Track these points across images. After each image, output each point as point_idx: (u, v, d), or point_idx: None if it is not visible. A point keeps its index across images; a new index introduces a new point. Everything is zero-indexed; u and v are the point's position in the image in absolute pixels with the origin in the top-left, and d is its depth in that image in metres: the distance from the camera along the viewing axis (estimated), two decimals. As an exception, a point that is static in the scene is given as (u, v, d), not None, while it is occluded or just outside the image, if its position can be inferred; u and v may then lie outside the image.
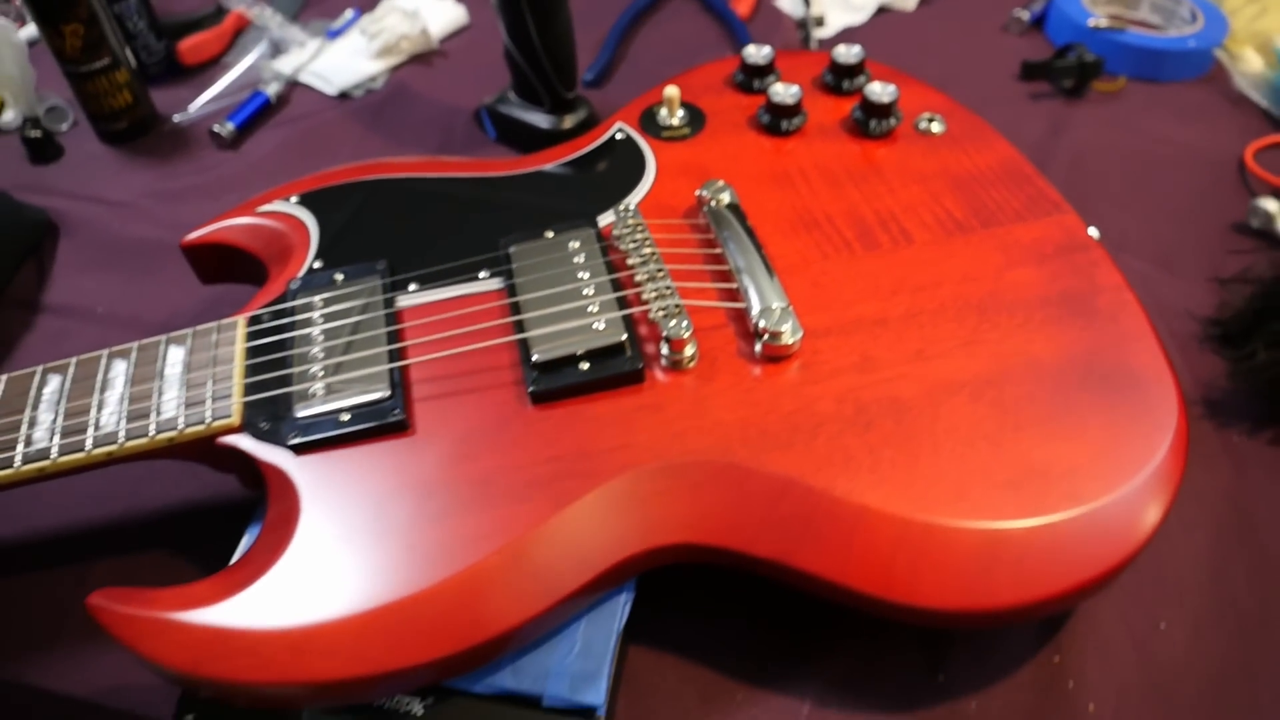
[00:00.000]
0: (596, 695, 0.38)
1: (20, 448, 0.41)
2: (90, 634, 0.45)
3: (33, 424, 0.42)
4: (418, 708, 0.38)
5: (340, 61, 0.76)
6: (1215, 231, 0.60)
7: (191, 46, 0.76)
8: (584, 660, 0.39)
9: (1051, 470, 0.38)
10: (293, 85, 0.75)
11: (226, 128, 0.69)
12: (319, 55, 0.76)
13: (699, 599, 0.44)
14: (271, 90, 0.72)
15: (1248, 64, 0.72)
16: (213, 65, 0.77)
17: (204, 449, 0.42)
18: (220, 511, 0.50)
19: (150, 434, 0.41)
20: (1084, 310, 0.44)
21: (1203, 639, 0.43)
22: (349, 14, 0.80)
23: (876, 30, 0.79)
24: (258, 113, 0.72)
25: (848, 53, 0.56)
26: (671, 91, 0.54)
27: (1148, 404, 0.40)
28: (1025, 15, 0.78)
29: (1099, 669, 0.42)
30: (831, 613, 0.43)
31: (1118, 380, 0.41)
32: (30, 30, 0.79)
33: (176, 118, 0.72)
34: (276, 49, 0.77)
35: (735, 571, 0.40)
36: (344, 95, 0.74)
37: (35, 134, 0.68)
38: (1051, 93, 0.72)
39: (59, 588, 0.47)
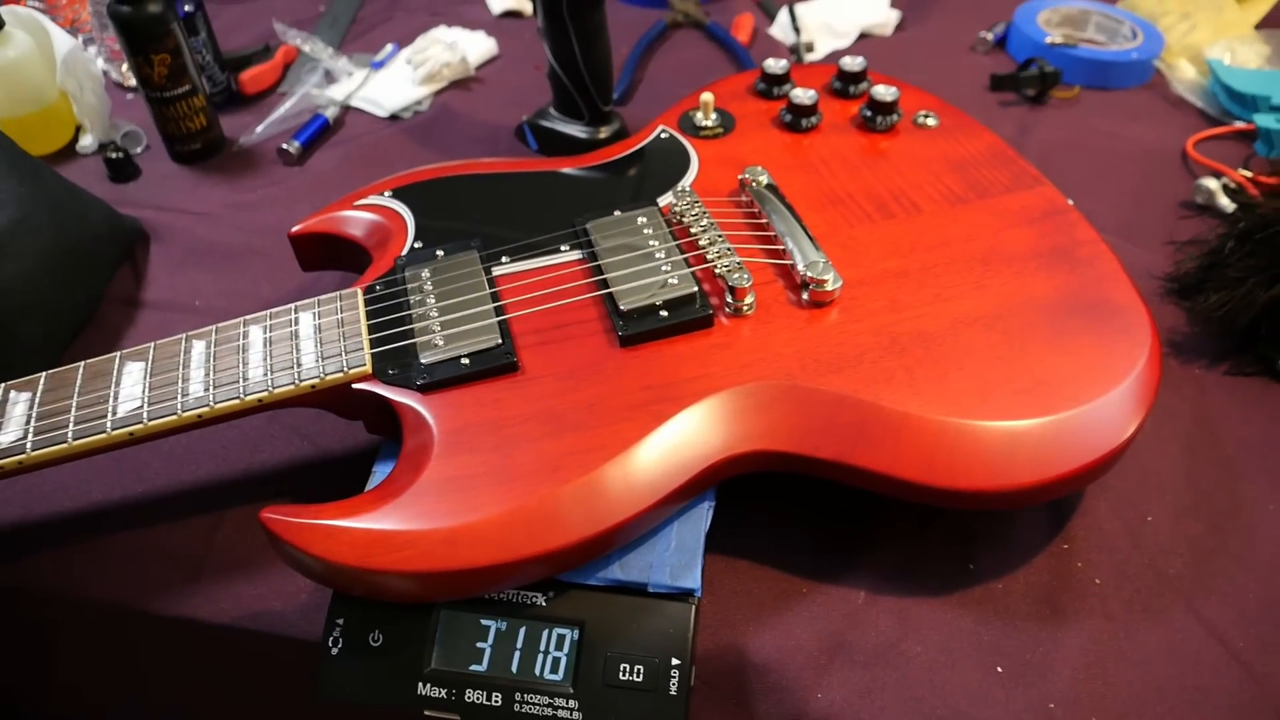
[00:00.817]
0: (693, 580, 0.45)
1: (180, 398, 0.48)
2: (228, 571, 0.52)
3: (186, 380, 0.49)
4: (541, 600, 0.45)
5: (388, 88, 0.84)
6: (1165, 207, 0.70)
7: (251, 77, 0.83)
8: (679, 554, 0.46)
9: (1054, 379, 0.47)
10: (346, 109, 0.83)
11: (294, 145, 0.77)
12: (367, 83, 0.84)
13: (763, 515, 0.52)
14: (329, 113, 0.80)
15: (1183, 72, 0.83)
16: (269, 94, 0.85)
17: (340, 395, 0.49)
18: (325, 467, 0.56)
19: (295, 381, 0.48)
20: (1068, 258, 0.53)
21: (1184, 526, 0.52)
22: (389, 47, 0.89)
23: (859, 53, 0.89)
24: (318, 132, 0.79)
25: (853, 62, 0.65)
26: (707, 97, 0.63)
27: (1127, 326, 0.49)
28: (990, 36, 0.89)
29: (1101, 552, 0.51)
30: (875, 520, 0.51)
31: (1101, 310, 0.50)
32: (100, 65, 0.86)
33: (243, 140, 0.79)
34: (328, 78, 0.85)
35: (794, 481, 0.47)
36: (394, 117, 0.82)
37: (117, 155, 0.74)
38: (1017, 101, 0.82)
39: (196, 535, 0.53)
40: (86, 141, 0.78)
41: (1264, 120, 0.72)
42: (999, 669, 0.46)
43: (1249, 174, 0.70)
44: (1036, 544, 0.51)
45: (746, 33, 0.91)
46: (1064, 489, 0.46)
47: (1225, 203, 0.68)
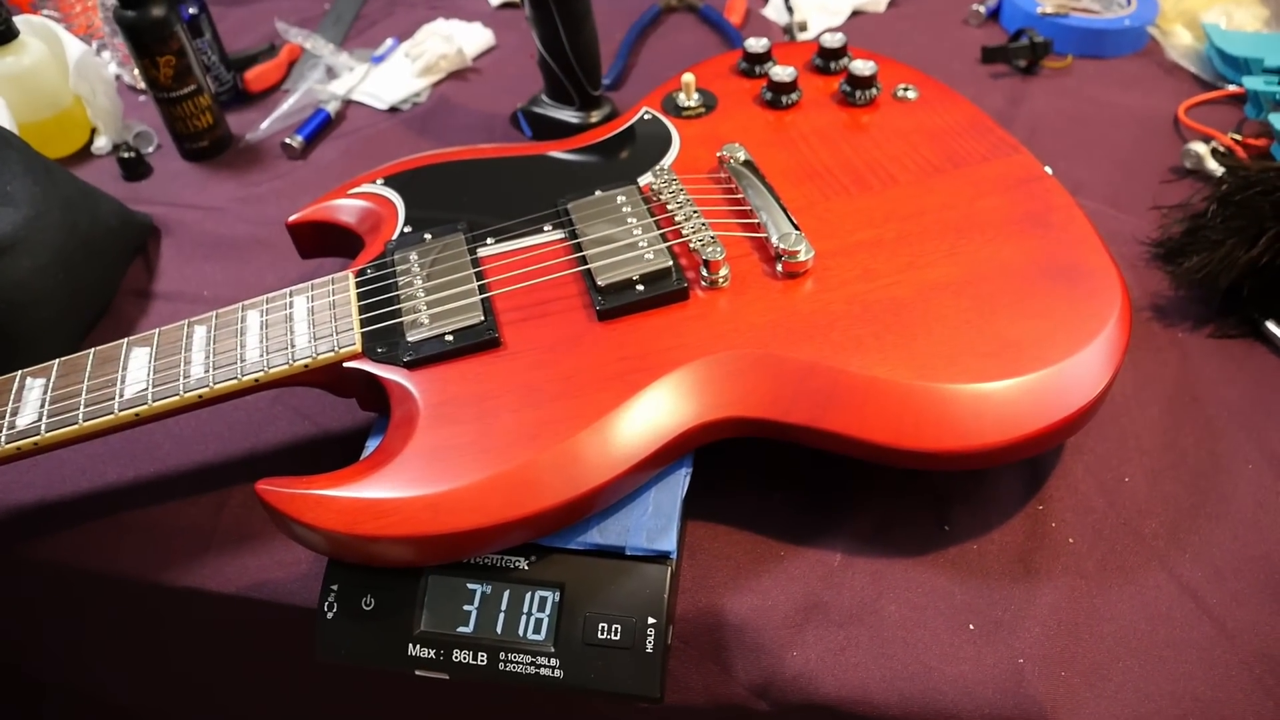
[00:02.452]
0: (669, 543, 0.47)
1: (181, 380, 0.50)
2: (234, 544, 0.54)
3: (188, 362, 0.51)
4: (523, 564, 0.47)
5: (388, 81, 0.86)
6: (1155, 174, 0.71)
7: (256, 76, 0.86)
8: (656, 518, 0.48)
9: (1022, 341, 0.48)
10: (348, 103, 0.85)
11: (296, 140, 0.79)
12: (368, 77, 0.87)
13: (742, 481, 0.53)
14: (331, 108, 0.83)
15: (1178, 38, 0.83)
16: (273, 92, 0.88)
17: (333, 374, 0.51)
18: (327, 444, 0.59)
19: (290, 362, 0.50)
20: (1041, 223, 0.53)
21: (1160, 486, 0.52)
22: (389, 42, 0.91)
23: (852, 29, 0.90)
24: (320, 127, 0.82)
25: (832, 38, 0.66)
26: (688, 78, 0.64)
27: (1096, 289, 0.50)
28: (982, 9, 0.89)
29: (1076, 512, 0.51)
30: (853, 483, 0.53)
31: (1071, 273, 0.51)
32: (111, 68, 0.90)
33: (249, 136, 0.82)
34: (330, 74, 0.87)
35: (773, 445, 0.49)
36: (393, 109, 0.84)
37: (129, 154, 0.77)
38: (1009, 72, 0.83)
39: (204, 511, 0.56)
40: (101, 143, 0.81)
41: (1253, 83, 0.71)
42: (971, 626, 0.47)
43: (1239, 138, 0.70)
44: (1012, 506, 0.52)
45: (739, 14, 0.92)
46: (1031, 449, 0.47)
47: (1214, 167, 0.68)
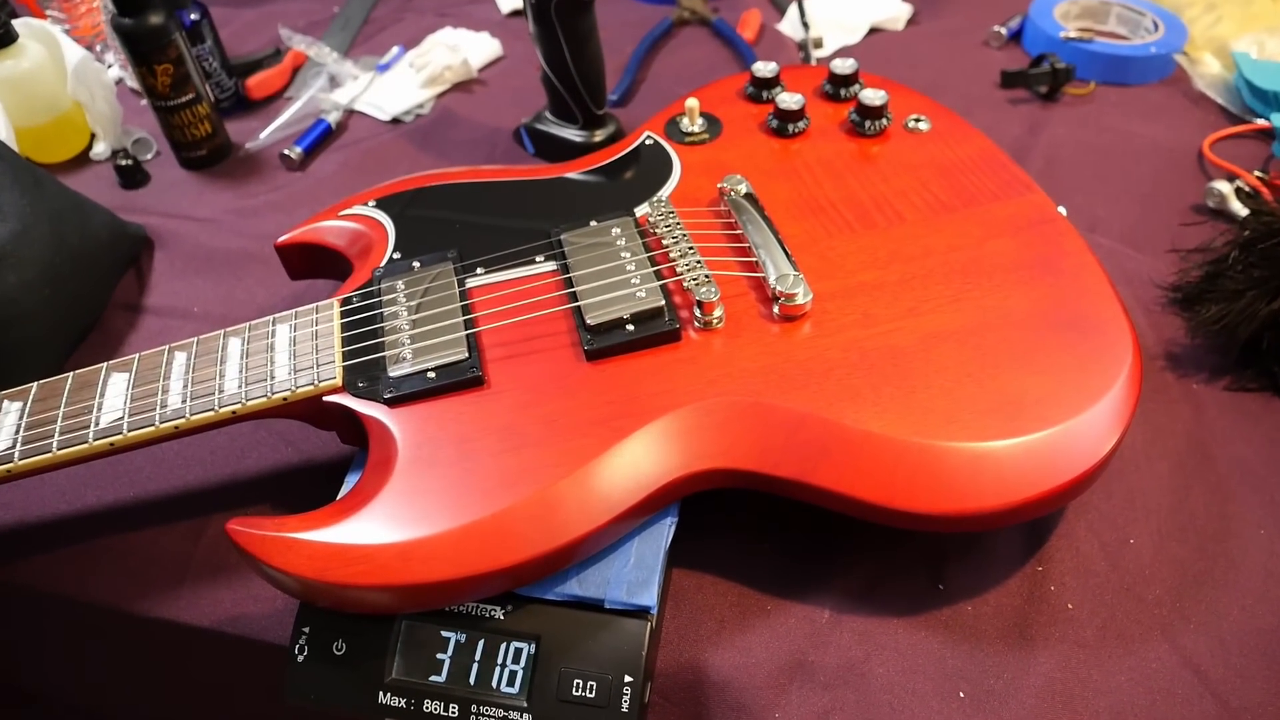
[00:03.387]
0: (649, 598, 0.45)
1: (158, 410, 0.49)
2: (210, 575, 0.53)
3: (166, 391, 0.50)
4: (499, 613, 0.46)
5: (391, 91, 0.85)
6: (1176, 212, 0.68)
7: (258, 83, 0.85)
8: (638, 570, 0.46)
9: (1025, 399, 0.46)
10: (350, 113, 0.84)
11: (295, 151, 0.78)
12: (371, 86, 0.85)
13: (731, 530, 0.51)
14: (332, 118, 0.81)
15: (1206, 67, 0.80)
16: (276, 99, 0.86)
17: (312, 407, 0.50)
18: (313, 473, 0.57)
19: (268, 394, 0.49)
20: (1051, 270, 0.51)
21: (1166, 550, 0.50)
22: (395, 50, 0.90)
23: (870, 48, 0.88)
24: (321, 138, 0.80)
25: (843, 64, 0.64)
26: (692, 103, 0.63)
27: (1106, 343, 0.48)
28: (1003, 31, 0.86)
29: (1076, 576, 0.49)
30: (845, 537, 0.51)
31: (1081, 326, 0.49)
32: (114, 72, 0.89)
33: (249, 145, 0.81)
34: (333, 82, 0.86)
35: (761, 499, 0.47)
36: (396, 120, 0.83)
37: (126, 162, 0.76)
38: (1029, 98, 0.80)
39: (182, 539, 0.55)
40: (100, 149, 0.80)
41: (1283, 119, 0.69)
42: (961, 694, 0.45)
43: (1265, 177, 0.67)
44: (1009, 566, 0.50)
45: (753, 30, 0.89)
46: (1030, 513, 0.45)
47: (1238, 207, 0.65)
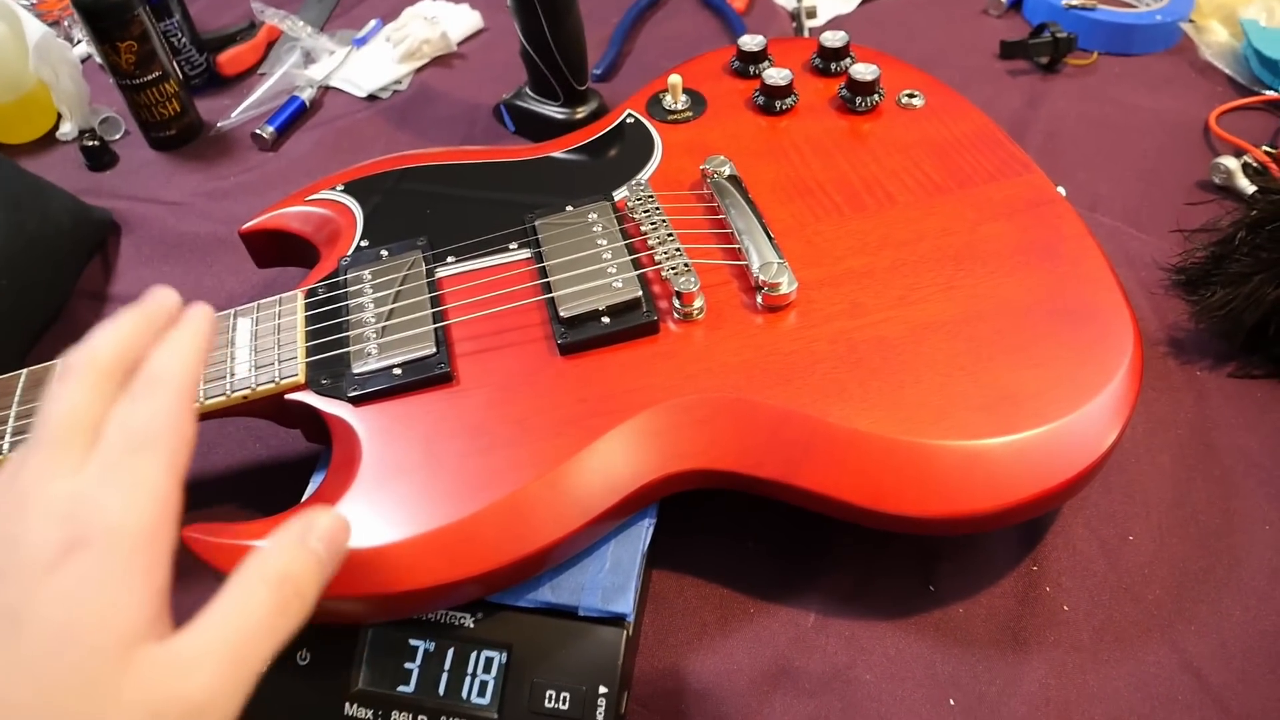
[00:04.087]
0: (625, 605, 0.43)
1: (113, 409, 0.47)
2: (176, 576, 0.51)
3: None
4: (469, 621, 0.44)
5: (367, 66, 0.82)
6: (1180, 189, 0.65)
7: (230, 59, 0.82)
8: (614, 575, 0.44)
9: (1020, 394, 0.43)
10: (325, 90, 0.81)
11: (267, 130, 0.75)
12: (347, 62, 0.82)
13: (714, 527, 0.49)
14: (306, 95, 0.78)
15: (1214, 35, 0.77)
16: (249, 75, 0.83)
17: (274, 405, 0.47)
18: (281, 470, 0.55)
19: (227, 393, 0.47)
20: (1049, 256, 0.49)
21: (1167, 548, 0.48)
22: (373, 23, 0.86)
23: (864, 18, 0.85)
24: (294, 116, 0.77)
25: (834, 37, 0.61)
26: (675, 79, 0.60)
27: (1106, 334, 0.45)
28: (1003, -1, 0.83)
29: (1073, 575, 0.47)
30: (832, 535, 0.49)
31: (1079, 315, 0.46)
32: (81, 49, 0.86)
33: (220, 124, 0.78)
34: (308, 57, 0.83)
35: (746, 494, 0.45)
36: (372, 97, 0.80)
37: (93, 143, 0.74)
38: (1029, 69, 0.77)
39: (145, 539, 0.53)
40: (66, 129, 0.78)
41: (1293, 91, 0.66)
42: (951, 701, 0.44)
43: (1274, 151, 0.64)
44: (1003, 565, 0.48)
45: (743, 0, 0.86)
46: (1024, 515, 0.43)
47: (1245, 184, 0.63)
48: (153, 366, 0.32)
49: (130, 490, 0.29)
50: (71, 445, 0.30)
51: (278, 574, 0.31)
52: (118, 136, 0.78)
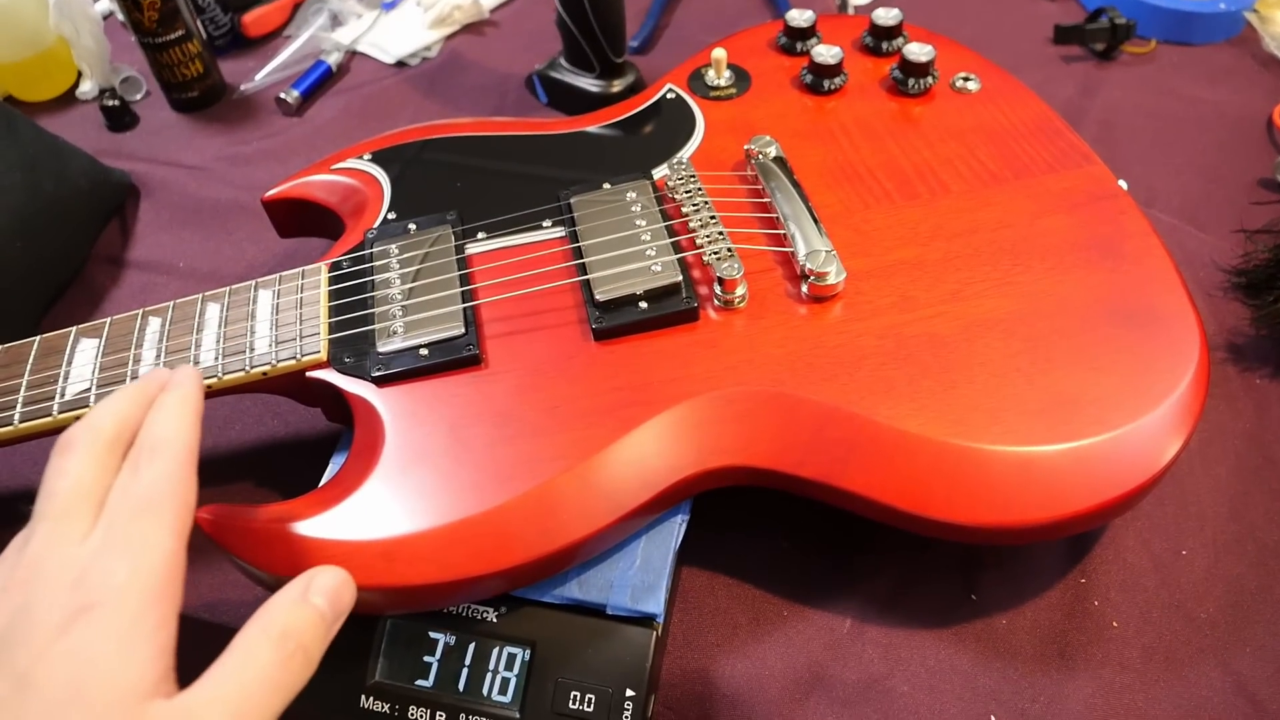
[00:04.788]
0: (656, 605, 0.41)
1: (128, 382, 0.45)
2: (190, 557, 0.50)
3: (138, 361, 0.46)
4: (492, 615, 0.42)
5: (396, 31, 0.79)
6: (1241, 187, 0.62)
7: (255, 19, 0.79)
8: (644, 574, 0.42)
9: (1080, 399, 0.41)
10: (352, 55, 0.79)
11: (292, 95, 0.73)
12: (376, 26, 0.80)
13: (746, 524, 0.48)
14: (332, 60, 0.76)
15: (1278, 25, 0.73)
16: (274, 37, 0.81)
17: (295, 382, 0.46)
18: (300, 449, 0.54)
19: (246, 368, 0.45)
20: (1111, 254, 0.46)
21: (1222, 564, 0.46)
22: (403, -14, 0.84)
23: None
24: (320, 81, 0.75)
25: (886, 15, 0.58)
26: (719, 53, 0.57)
27: (1171, 340, 0.43)
28: (1059, -20, 0.80)
29: (1122, 590, 0.45)
30: (871, 536, 0.47)
31: (1142, 318, 0.44)
32: (103, 5, 0.83)
33: (244, 87, 0.76)
34: (335, 20, 0.81)
35: (784, 493, 0.43)
36: (401, 64, 0.78)
37: (113, 103, 0.72)
38: (1083, 56, 0.74)
39: (158, 514, 0.51)
40: (86, 87, 0.76)
41: (1367, 87, 0.62)
42: (992, 717, 0.42)
43: (1343, 150, 0.61)
44: (1049, 577, 0.46)
45: (787, -27, 0.83)
46: (1078, 528, 0.41)
47: (1312, 183, 0.60)
48: (150, 434, 0.33)
49: (136, 554, 0.30)
50: (77, 516, 0.31)
51: (280, 630, 0.31)
52: (138, 97, 0.76)
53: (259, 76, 0.76)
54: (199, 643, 0.48)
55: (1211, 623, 0.44)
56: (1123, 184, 0.50)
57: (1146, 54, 0.73)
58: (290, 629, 0.32)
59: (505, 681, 0.41)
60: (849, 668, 0.43)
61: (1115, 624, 0.44)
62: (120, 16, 0.81)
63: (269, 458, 0.53)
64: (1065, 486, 0.40)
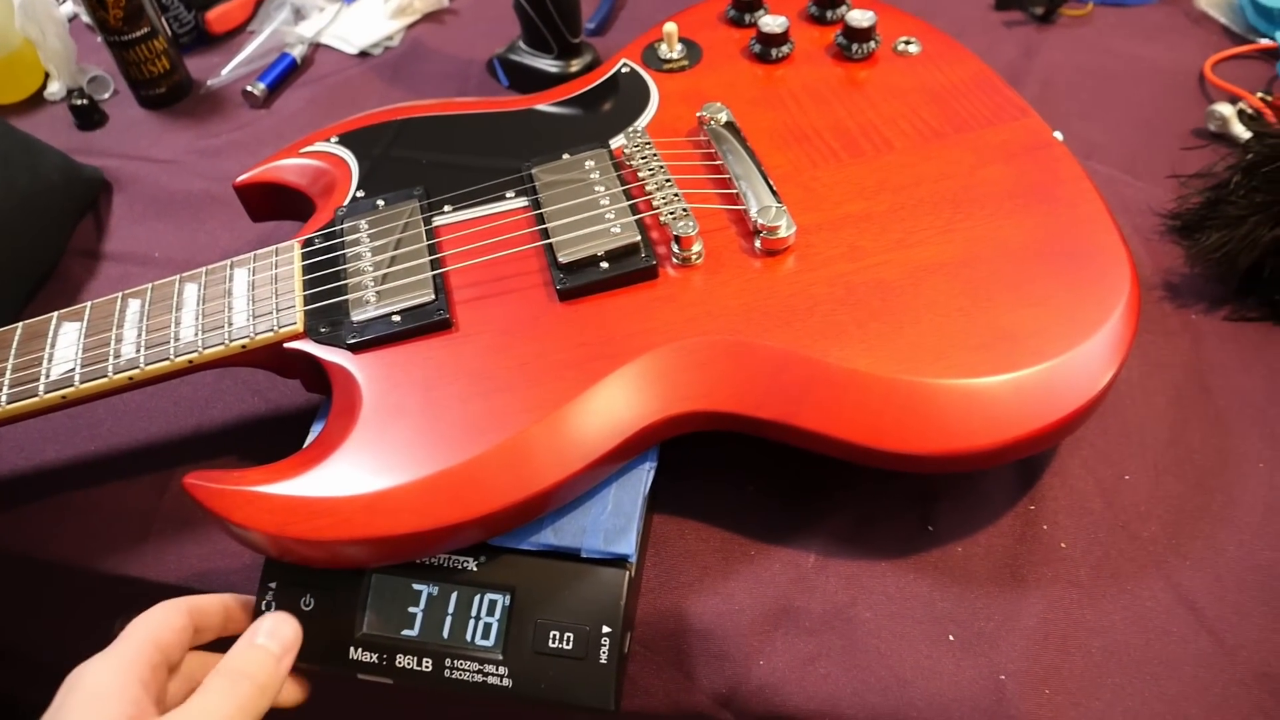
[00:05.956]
0: (627, 546, 0.43)
1: (111, 360, 0.47)
2: (176, 530, 0.51)
3: (119, 340, 0.48)
4: (472, 564, 0.44)
5: (358, 23, 0.81)
6: (1176, 136, 0.65)
7: (218, 16, 0.81)
8: (615, 518, 0.44)
9: (1018, 333, 0.43)
10: (316, 47, 0.80)
11: (259, 88, 0.74)
12: (338, 18, 0.81)
13: (714, 471, 0.50)
14: (297, 52, 0.77)
15: (1209, -16, 0.76)
16: (239, 33, 0.82)
17: (273, 354, 0.47)
18: (280, 422, 0.56)
19: (226, 342, 0.47)
20: (1046, 198, 0.49)
21: (1162, 486, 0.48)
22: (363, -21, 0.85)
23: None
24: (286, 73, 0.77)
25: (830, -16, 0.61)
26: (670, 28, 0.59)
27: (1102, 274, 0.46)
28: (999, -50, 0.82)
29: (1070, 514, 0.48)
30: (832, 477, 0.49)
31: (1076, 256, 0.46)
32: (68, 8, 0.85)
33: (210, 82, 0.77)
34: (298, 14, 0.82)
35: (745, 438, 0.45)
36: (364, 54, 0.79)
37: (82, 102, 0.73)
38: (1024, 20, 0.77)
39: (145, 493, 0.53)
40: (54, 88, 0.77)
41: (1289, 37, 0.65)
42: (951, 637, 0.44)
43: (1269, 99, 0.64)
44: (1001, 505, 0.48)
45: (737, -47, 0.85)
46: (1023, 451, 0.43)
47: (1240, 130, 0.63)
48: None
49: None
50: None
51: (234, 671, 0.37)
52: (106, 95, 0.77)
53: (225, 71, 0.77)
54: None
55: (1154, 540, 0.47)
56: (1058, 135, 0.53)
57: (1084, 16, 0.76)
58: (244, 670, 0.38)
59: (488, 626, 0.43)
60: (814, 599, 0.46)
61: (1064, 545, 0.47)
62: (85, 17, 0.83)
63: (251, 433, 0.55)
64: (1008, 414, 0.42)
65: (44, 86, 0.78)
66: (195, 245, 0.65)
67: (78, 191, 0.66)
